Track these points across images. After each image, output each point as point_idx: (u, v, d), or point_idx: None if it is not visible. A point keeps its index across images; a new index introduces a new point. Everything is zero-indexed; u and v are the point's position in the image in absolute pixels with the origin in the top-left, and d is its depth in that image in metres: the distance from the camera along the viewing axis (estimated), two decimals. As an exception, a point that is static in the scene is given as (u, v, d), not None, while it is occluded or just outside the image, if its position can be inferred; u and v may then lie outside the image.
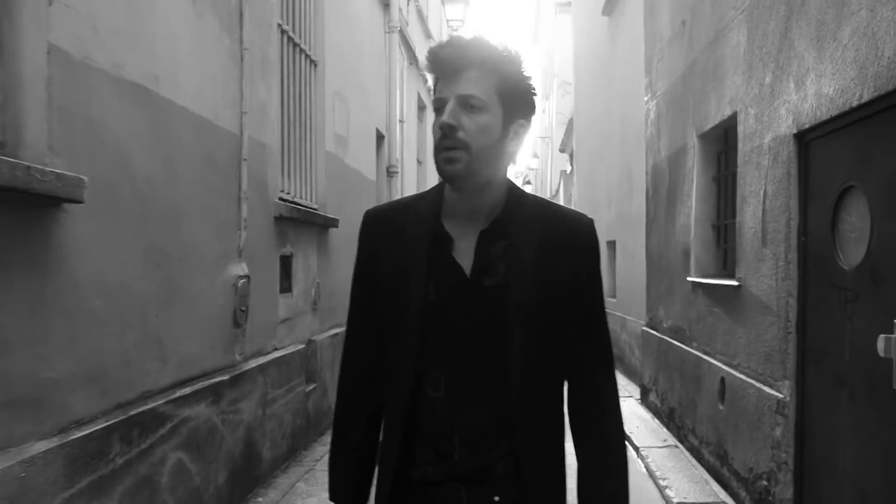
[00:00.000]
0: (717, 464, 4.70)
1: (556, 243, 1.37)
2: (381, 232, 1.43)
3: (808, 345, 3.50)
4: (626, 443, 1.42)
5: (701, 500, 4.30)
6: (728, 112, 4.66)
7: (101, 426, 2.62)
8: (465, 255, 1.36)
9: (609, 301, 9.51)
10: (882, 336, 2.67)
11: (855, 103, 2.96)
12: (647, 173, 7.24)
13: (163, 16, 3.14)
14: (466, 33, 1.37)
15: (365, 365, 1.45)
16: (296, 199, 5.20)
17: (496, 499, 1.33)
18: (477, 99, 1.29)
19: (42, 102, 2.34)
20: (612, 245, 10.31)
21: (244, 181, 4.04)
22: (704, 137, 5.35)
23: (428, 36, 12.79)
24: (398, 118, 9.22)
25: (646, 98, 7.33)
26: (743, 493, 4.15)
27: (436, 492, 1.34)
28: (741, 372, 4.29)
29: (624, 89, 9.42)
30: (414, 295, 1.34)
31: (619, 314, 9.53)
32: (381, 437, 1.44)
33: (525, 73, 1.35)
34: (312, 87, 5.74)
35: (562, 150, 20.61)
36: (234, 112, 3.95)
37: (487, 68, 1.30)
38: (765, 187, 3.97)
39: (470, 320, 1.33)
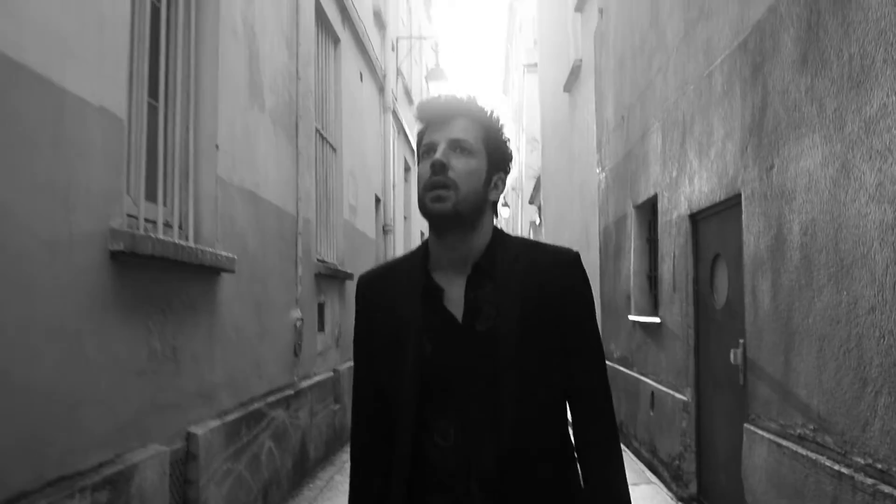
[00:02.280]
0: (649, 457, 6.20)
1: (541, 279, 1.39)
2: (374, 294, 1.48)
3: (700, 361, 5.06)
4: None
5: (636, 482, 5.78)
6: (652, 192, 6.29)
7: (236, 416, 4.05)
8: (456, 303, 1.39)
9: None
10: (732, 350, 4.23)
11: (717, 199, 4.57)
12: (599, 233, 8.87)
13: (261, 140, 4.67)
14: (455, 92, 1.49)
15: (374, 426, 1.47)
16: (325, 259, 6.70)
17: None
18: (468, 143, 1.38)
19: (212, 212, 3.84)
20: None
21: (299, 248, 5.53)
22: (639, 208, 6.98)
23: (412, 105, 14.50)
24: (392, 183, 10.81)
25: (597, 170, 9.00)
26: (665, 474, 5.65)
27: None
28: (663, 385, 5.83)
29: (582, 158, 11.13)
30: (411, 350, 1.36)
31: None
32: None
33: (505, 135, 1.47)
34: (334, 169, 7.29)
35: (531, 202, 22.37)
36: (292, 199, 5.46)
37: (475, 120, 1.42)
38: (673, 250, 5.58)
39: (468, 367, 1.35)
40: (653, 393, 6.13)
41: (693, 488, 5.11)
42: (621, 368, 7.51)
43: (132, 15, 3.05)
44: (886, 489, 2.64)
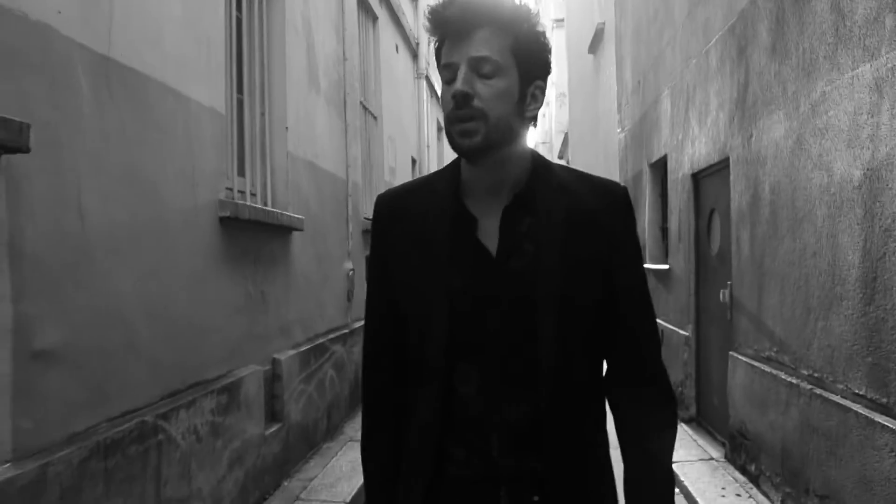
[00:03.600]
0: (660, 388, 7.01)
1: (587, 215, 1.22)
2: (396, 217, 1.30)
3: (699, 301, 5.81)
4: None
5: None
6: (663, 153, 6.97)
7: (306, 348, 4.95)
8: (490, 235, 1.23)
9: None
10: (721, 290, 4.99)
11: (712, 161, 5.27)
12: (620, 187, 9.54)
13: (318, 118, 5.47)
14: None
15: (388, 364, 1.34)
16: (370, 217, 7.54)
17: (535, 499, 1.22)
18: (491, 61, 1.16)
19: (284, 182, 4.68)
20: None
21: (350, 208, 6.37)
22: (653, 166, 7.66)
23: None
24: (426, 144, 11.56)
25: (618, 130, 9.64)
26: (671, 400, 6.47)
27: (472, 491, 1.23)
28: (671, 323, 6.61)
29: (605, 117, 11.73)
30: (437, 283, 1.22)
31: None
32: (408, 438, 1.30)
33: (540, 30, 1.22)
34: (375, 135, 8.08)
35: (560, 157, 22.91)
36: (343, 166, 6.28)
37: (499, 27, 1.17)
38: (679, 205, 6.29)
39: (499, 308, 1.20)
40: (662, 331, 6.91)
41: (693, 410, 5.93)
42: (638, 312, 8.29)
43: (226, 31, 3.85)
44: (818, 391, 3.43)
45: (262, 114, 4.52)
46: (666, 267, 6.76)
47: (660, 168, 7.55)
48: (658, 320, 7.04)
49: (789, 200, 3.83)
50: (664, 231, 7.65)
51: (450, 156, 11.17)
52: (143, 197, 2.90)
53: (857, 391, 3.08)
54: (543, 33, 1.23)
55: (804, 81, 3.62)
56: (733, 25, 4.75)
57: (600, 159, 12.36)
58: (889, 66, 2.80)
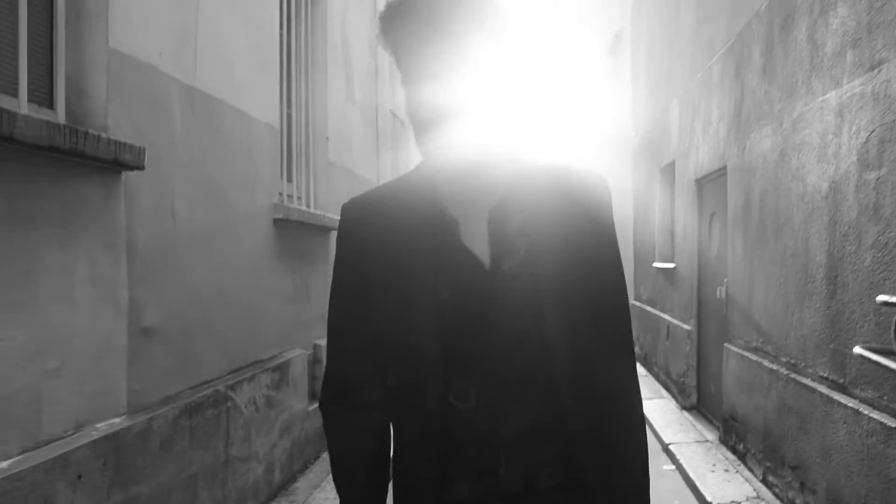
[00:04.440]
0: (665, 378, 7.51)
1: (575, 207, 1.18)
2: (367, 228, 1.18)
3: (700, 298, 6.30)
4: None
5: (651, 397, 7.11)
6: (671, 159, 7.44)
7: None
8: (476, 239, 1.15)
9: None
10: (718, 287, 5.48)
11: (713, 169, 5.75)
12: (633, 189, 10.02)
13: (353, 127, 6.03)
14: None
15: (366, 395, 1.22)
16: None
17: None
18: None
19: (324, 187, 5.23)
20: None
21: (379, 209, 6.92)
22: (663, 171, 8.13)
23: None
24: (448, 146, 12.10)
25: (633, 133, 10.10)
26: (674, 389, 6.96)
27: None
28: (675, 319, 7.09)
29: (621, 119, 12.16)
30: (422, 295, 1.12)
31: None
32: (400, 463, 1.21)
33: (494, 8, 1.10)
34: (402, 140, 8.63)
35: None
36: (374, 170, 6.83)
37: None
38: (684, 209, 6.77)
39: (495, 314, 1.13)
40: (668, 326, 7.40)
41: (693, 399, 6.41)
42: (648, 308, 8.77)
43: (279, 54, 4.41)
44: (793, 375, 3.92)
45: (307, 125, 5.08)
46: (672, 266, 7.24)
47: (669, 172, 8.01)
48: (664, 315, 7.53)
49: (774, 207, 4.31)
50: (672, 232, 8.12)
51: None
52: (216, 202, 3.47)
53: (822, 374, 3.57)
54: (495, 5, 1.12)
55: (787, 101, 4.10)
56: (732, 45, 5.22)
57: (617, 161, 12.79)
58: (849, 94, 3.28)
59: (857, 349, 2.86)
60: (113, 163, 2.51)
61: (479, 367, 1.15)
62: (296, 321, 4.57)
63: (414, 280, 1.14)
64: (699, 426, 5.83)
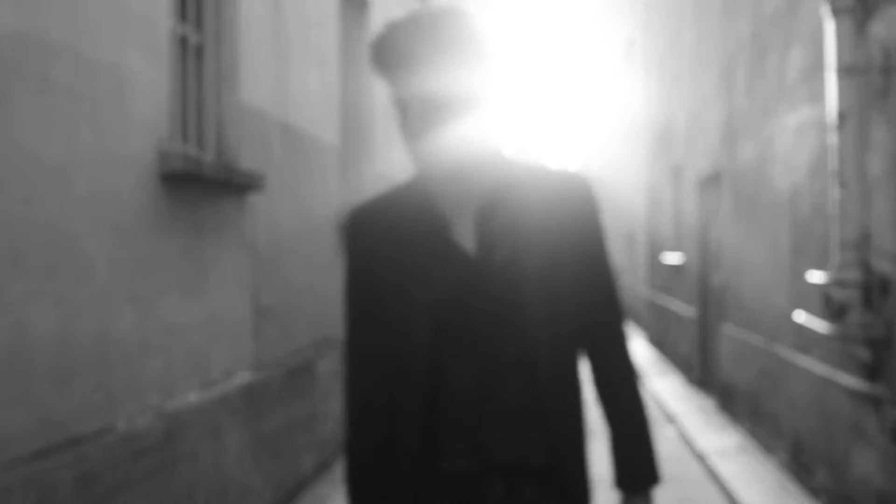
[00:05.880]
0: (676, 359, 8.37)
1: (557, 207, 1.30)
2: (370, 230, 1.32)
3: (702, 286, 7.15)
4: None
5: (662, 374, 7.96)
6: (678, 161, 8.28)
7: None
8: (465, 235, 1.28)
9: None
10: (716, 276, 6.34)
11: (710, 173, 6.60)
12: (648, 188, 10.86)
13: (395, 141, 6.96)
14: (403, 17, 1.21)
15: (375, 377, 1.33)
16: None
17: (529, 489, 1.29)
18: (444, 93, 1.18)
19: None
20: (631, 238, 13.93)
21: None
22: (672, 170, 8.96)
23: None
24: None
25: (647, 134, 10.94)
26: (682, 367, 7.82)
27: (468, 483, 1.28)
28: (682, 304, 7.94)
29: (636, 122, 12.98)
30: (419, 286, 1.27)
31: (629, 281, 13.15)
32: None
33: (479, 36, 1.21)
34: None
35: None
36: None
37: (444, 52, 1.18)
38: (688, 208, 7.61)
39: (485, 303, 1.26)
40: (676, 311, 8.25)
41: (698, 374, 7.27)
42: (661, 295, 9.62)
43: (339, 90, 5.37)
44: (768, 347, 4.78)
45: (359, 143, 6.03)
46: (679, 257, 8.10)
47: (676, 174, 8.85)
48: (673, 301, 8.39)
49: (755, 207, 5.16)
50: (677, 229, 8.96)
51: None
52: (303, 213, 4.42)
53: (790, 343, 4.43)
54: (479, 32, 1.21)
55: (763, 120, 4.96)
56: (723, 67, 6.07)
57: (629, 163, 13.62)
58: (802, 119, 4.14)
59: (797, 317, 3.73)
60: (246, 187, 3.47)
61: (471, 352, 1.27)
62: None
63: (412, 273, 1.27)
64: (701, 396, 6.69)
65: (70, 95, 2.40)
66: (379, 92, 6.33)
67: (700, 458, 4.97)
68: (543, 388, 1.27)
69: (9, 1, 2.16)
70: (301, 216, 4.39)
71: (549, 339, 1.27)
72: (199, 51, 3.45)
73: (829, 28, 3.41)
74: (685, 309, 7.80)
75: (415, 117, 1.18)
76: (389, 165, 6.72)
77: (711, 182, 6.74)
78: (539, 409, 1.27)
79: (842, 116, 3.31)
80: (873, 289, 3.26)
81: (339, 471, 4.55)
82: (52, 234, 2.31)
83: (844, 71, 3.29)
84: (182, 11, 3.31)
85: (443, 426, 1.28)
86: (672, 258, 8.58)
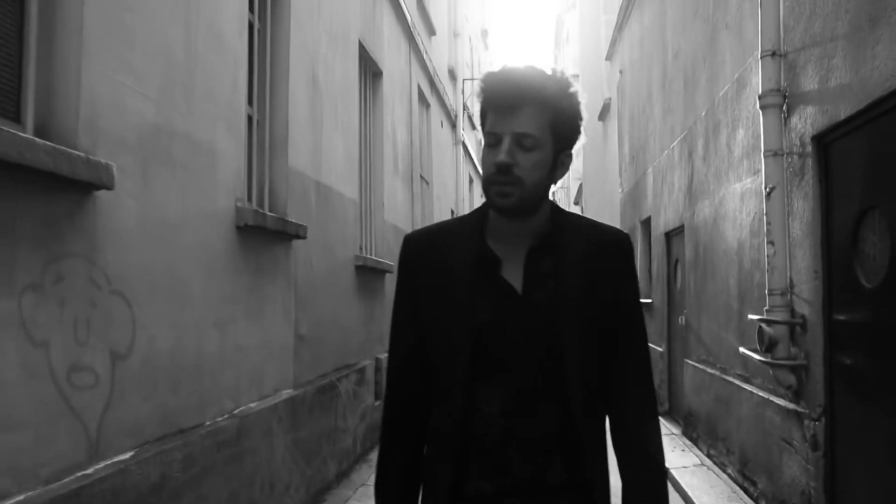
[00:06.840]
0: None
1: (599, 258, 1.40)
2: (423, 255, 1.45)
3: (669, 325, 8.00)
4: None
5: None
6: (648, 215, 9.21)
7: (392, 353, 7.22)
8: (513, 274, 1.39)
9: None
10: (680, 317, 7.19)
11: (676, 225, 7.50)
12: (620, 237, 11.78)
13: (397, 192, 7.80)
14: (519, 65, 1.38)
15: (411, 391, 1.46)
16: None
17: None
18: (532, 138, 1.32)
19: (381, 240, 6.98)
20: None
21: (414, 255, 8.68)
22: (642, 223, 9.89)
23: (474, 129, 17.55)
24: (462, 198, 13.91)
25: (619, 190, 11.91)
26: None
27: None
28: (652, 343, 8.78)
29: (611, 178, 14.00)
30: (464, 315, 1.37)
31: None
32: (427, 456, 1.46)
33: (576, 102, 1.38)
34: (428, 197, 10.42)
35: (575, 203, 25.19)
36: (410, 223, 8.58)
37: (542, 105, 1.33)
38: (657, 256, 8.51)
39: (523, 336, 1.36)
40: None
41: (666, 406, 8.07)
42: (633, 337, 10.44)
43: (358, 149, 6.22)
44: (723, 376, 5.61)
45: (371, 195, 6.86)
46: (649, 300, 8.96)
47: (647, 225, 9.77)
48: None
49: (711, 257, 6.04)
50: (649, 273, 9.85)
51: (478, 202, 13.37)
52: (329, 255, 5.21)
53: (737, 372, 5.26)
54: (579, 107, 1.38)
55: (717, 184, 5.87)
56: (685, 136, 7.02)
57: (606, 209, 14.61)
58: (745, 188, 5.04)
59: (741, 349, 4.57)
60: (294, 235, 4.26)
61: (504, 379, 1.36)
62: (366, 339, 6.27)
63: (457, 304, 1.37)
64: (668, 424, 7.48)
65: (183, 167, 3.19)
66: (387, 153, 7.20)
67: (664, 474, 5.73)
68: (576, 420, 1.36)
69: (151, 101, 2.95)
70: (328, 259, 5.17)
71: (582, 373, 1.37)
72: (259, 124, 4.27)
73: (760, 119, 4.32)
74: (654, 346, 8.63)
75: (504, 151, 1.32)
76: (394, 215, 7.56)
77: (676, 234, 7.64)
78: (566, 436, 1.37)
79: (770, 189, 4.20)
80: (796, 326, 4.11)
81: (357, 479, 5.27)
82: (170, 272, 3.07)
83: (771, 153, 4.20)
84: (249, 94, 4.13)
85: (471, 448, 1.38)
86: (642, 301, 9.42)
